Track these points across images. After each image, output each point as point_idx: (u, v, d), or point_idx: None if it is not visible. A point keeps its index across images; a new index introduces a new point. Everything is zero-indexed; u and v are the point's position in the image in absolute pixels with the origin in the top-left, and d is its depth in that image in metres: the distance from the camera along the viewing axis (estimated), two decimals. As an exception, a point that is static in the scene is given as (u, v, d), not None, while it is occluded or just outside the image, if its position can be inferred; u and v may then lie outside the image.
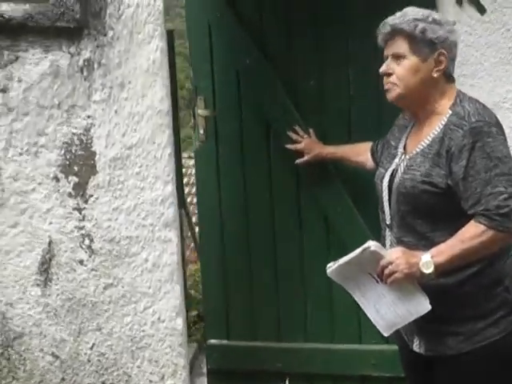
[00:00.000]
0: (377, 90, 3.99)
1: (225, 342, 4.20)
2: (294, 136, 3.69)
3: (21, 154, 3.42)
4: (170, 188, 3.42)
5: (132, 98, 3.38)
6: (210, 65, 4.13)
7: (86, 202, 3.42)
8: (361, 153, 3.28)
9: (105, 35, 3.36)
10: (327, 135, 4.03)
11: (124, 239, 3.44)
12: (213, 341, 4.23)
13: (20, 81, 3.38)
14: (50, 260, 3.44)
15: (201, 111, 4.18)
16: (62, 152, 3.41)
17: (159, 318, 3.47)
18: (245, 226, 4.17)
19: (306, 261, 4.11)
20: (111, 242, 3.44)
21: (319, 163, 3.97)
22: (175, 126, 3.56)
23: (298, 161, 3.65)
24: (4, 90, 3.39)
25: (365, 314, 3.93)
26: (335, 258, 3.95)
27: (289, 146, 3.68)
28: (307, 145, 3.66)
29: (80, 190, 3.42)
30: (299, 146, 3.66)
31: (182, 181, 3.76)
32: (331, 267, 2.52)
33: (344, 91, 3.97)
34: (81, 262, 3.45)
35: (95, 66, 3.37)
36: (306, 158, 3.64)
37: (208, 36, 4.12)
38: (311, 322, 4.12)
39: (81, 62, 3.37)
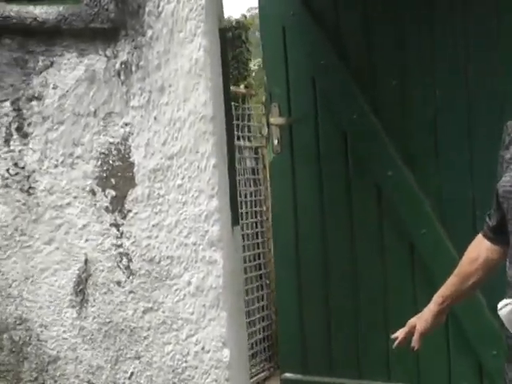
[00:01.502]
0: (467, 93, 3.54)
1: (300, 376, 3.84)
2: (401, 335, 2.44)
3: (56, 166, 3.18)
4: (215, 203, 3.06)
5: (173, 102, 3.06)
6: (285, 69, 3.80)
7: (124, 217, 3.14)
8: (476, 256, 2.23)
9: (143, 35, 3.07)
10: (410, 146, 3.58)
11: (165, 259, 3.11)
12: (288, 375, 3.88)
13: (55, 88, 3.16)
14: (86, 280, 3.18)
15: (273, 119, 3.83)
16: (99, 163, 3.15)
17: (203, 348, 3.11)
18: (322, 247, 3.78)
19: (389, 290, 3.65)
20: (151, 262, 3.12)
21: (398, 173, 3.54)
22: (229, 134, 3.19)
23: (413, 343, 2.40)
24: (39, 98, 3.18)
25: (455, 351, 3.56)
26: (421, 288, 3.55)
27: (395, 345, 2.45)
28: (411, 328, 2.43)
29: (118, 204, 3.14)
30: (402, 335, 2.44)
31: (237, 194, 3.39)
32: (508, 305, 1.83)
33: (429, 95, 3.50)
34: (118, 283, 3.16)
35: (133, 68, 3.09)
36: (416, 334, 2.40)
37: (282, 38, 3.79)
38: (394, 358, 3.63)
39: (118, 66, 3.11)
